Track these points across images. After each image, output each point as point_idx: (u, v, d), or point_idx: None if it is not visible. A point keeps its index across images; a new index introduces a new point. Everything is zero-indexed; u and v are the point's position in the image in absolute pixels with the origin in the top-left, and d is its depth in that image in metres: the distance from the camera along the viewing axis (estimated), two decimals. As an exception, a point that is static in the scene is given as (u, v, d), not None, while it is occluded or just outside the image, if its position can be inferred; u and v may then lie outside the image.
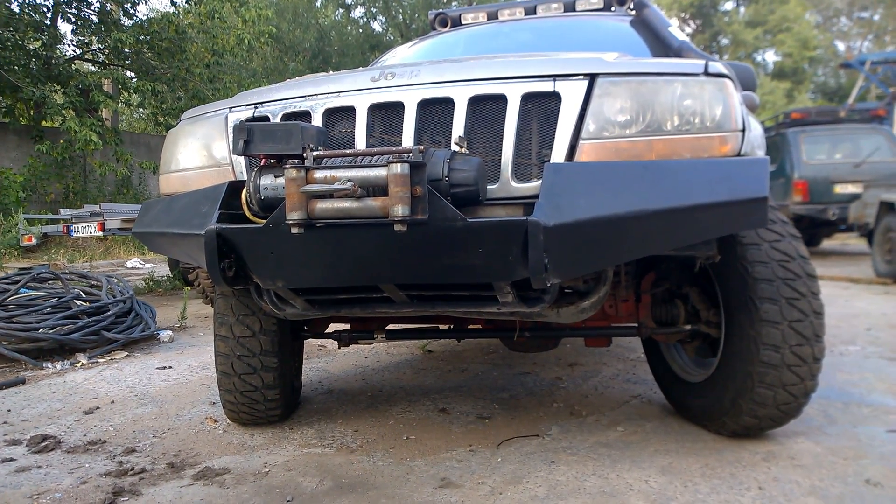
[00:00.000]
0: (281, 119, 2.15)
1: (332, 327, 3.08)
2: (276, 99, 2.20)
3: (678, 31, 3.17)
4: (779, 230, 2.35)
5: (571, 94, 1.92)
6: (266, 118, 2.18)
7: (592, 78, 1.93)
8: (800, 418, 2.50)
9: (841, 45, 40.53)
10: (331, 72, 2.47)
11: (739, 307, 2.35)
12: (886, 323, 4.96)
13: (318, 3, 23.17)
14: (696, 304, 2.64)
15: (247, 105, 2.25)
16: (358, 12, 24.69)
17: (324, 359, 4.18)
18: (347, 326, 3.04)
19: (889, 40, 39.03)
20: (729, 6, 38.65)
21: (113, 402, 3.33)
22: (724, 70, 1.96)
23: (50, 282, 5.21)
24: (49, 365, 4.08)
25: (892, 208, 7.40)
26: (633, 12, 3.82)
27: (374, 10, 24.38)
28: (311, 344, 4.42)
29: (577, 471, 2.31)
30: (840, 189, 10.00)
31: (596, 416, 2.91)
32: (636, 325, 2.75)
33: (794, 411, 2.41)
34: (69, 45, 13.97)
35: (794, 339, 2.26)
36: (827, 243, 12.66)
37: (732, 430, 2.53)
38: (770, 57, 38.47)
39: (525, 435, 2.68)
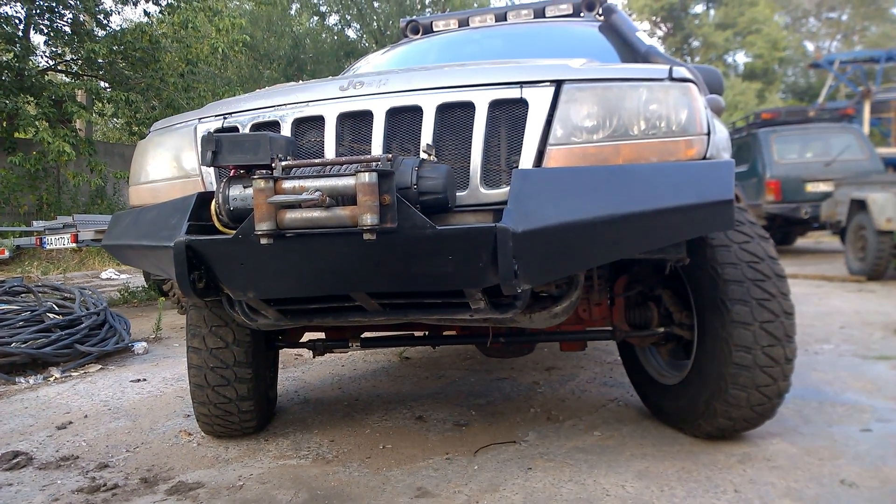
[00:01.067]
0: (250, 129, 2.13)
1: (306, 336, 3.06)
2: (245, 109, 2.19)
3: (645, 35, 3.20)
4: (747, 231, 2.38)
5: (538, 101, 1.93)
6: (235, 129, 2.17)
7: (559, 84, 1.94)
8: (775, 419, 2.52)
9: (810, 46, 41.22)
10: (303, 81, 2.46)
11: (711, 309, 2.37)
12: (860, 321, 5.03)
13: (292, 11, 23.08)
14: (669, 307, 2.66)
15: (216, 116, 2.24)
16: (332, 20, 24.64)
17: (300, 367, 4.15)
18: (322, 335, 3.02)
19: (857, 40, 39.77)
20: (699, 9, 39.17)
21: (86, 416, 3.28)
22: (688, 75, 1.99)
23: (22, 295, 5.13)
24: (21, 379, 4.01)
25: (862, 206, 7.51)
26: (602, 18, 3.85)
27: (348, 17, 24.34)
28: (286, 353, 4.39)
29: (553, 477, 2.31)
30: (812, 188, 10.13)
31: (573, 420, 2.91)
32: (610, 328, 2.77)
33: (769, 412, 2.43)
34: (42, 57, 13.80)
35: (766, 340, 2.28)
36: (801, 241, 12.84)
37: (708, 433, 2.55)
38: (740, 58, 39.04)
39: (502, 441, 2.68)
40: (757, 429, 2.55)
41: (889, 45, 30.86)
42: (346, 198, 1.71)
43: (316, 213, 1.71)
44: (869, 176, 8.60)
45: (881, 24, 39.71)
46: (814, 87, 33.22)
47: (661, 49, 3.17)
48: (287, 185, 1.74)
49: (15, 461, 2.65)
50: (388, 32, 22.43)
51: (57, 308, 4.86)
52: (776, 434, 2.62)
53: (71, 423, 3.17)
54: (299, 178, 1.75)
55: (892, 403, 2.98)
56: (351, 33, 24.70)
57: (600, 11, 3.93)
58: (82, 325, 4.60)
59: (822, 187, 9.86)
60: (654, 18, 38.86)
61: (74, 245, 7.13)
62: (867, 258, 7.37)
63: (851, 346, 4.18)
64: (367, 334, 2.98)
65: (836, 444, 2.52)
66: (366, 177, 1.65)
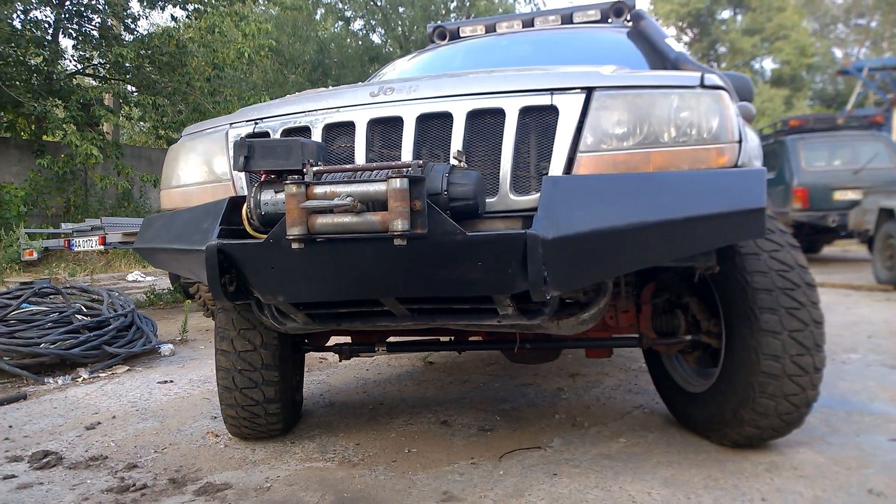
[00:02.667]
0: (281, 134, 2.16)
1: (333, 340, 3.08)
2: (277, 115, 2.22)
3: (675, 42, 3.19)
4: (777, 240, 2.36)
5: (569, 108, 1.93)
6: (266, 134, 2.20)
7: (589, 91, 1.94)
8: (802, 428, 2.49)
9: (838, 52, 40.71)
10: (330, 86, 2.48)
11: (739, 317, 2.36)
12: (888, 330, 4.96)
13: (317, 17, 23.27)
14: (697, 315, 2.64)
15: (247, 121, 2.27)
16: (357, 25, 24.80)
17: (325, 371, 4.18)
18: (348, 339, 3.04)
19: (886, 47, 39.18)
20: (726, 15, 38.83)
21: (114, 417, 3.33)
22: (719, 82, 1.98)
23: (51, 296, 5.22)
24: (50, 380, 4.08)
25: (891, 215, 7.40)
26: (630, 24, 3.84)
27: (373, 22, 24.48)
28: (312, 356, 4.42)
29: (579, 483, 2.31)
30: (839, 196, 10.01)
31: (598, 427, 2.90)
32: (637, 335, 2.76)
33: (796, 421, 2.41)
34: (70, 61, 14.05)
35: (795, 349, 2.26)
36: (827, 250, 12.66)
37: (735, 441, 2.53)
38: (768, 64, 38.66)
39: (527, 447, 2.68)
40: (784, 438, 2.53)
41: (919, 51, 30.40)
42: (377, 203, 1.73)
43: (347, 219, 1.73)
44: (898, 184, 8.48)
45: (910, 30, 39.11)
46: (842, 94, 32.79)
47: (690, 56, 3.15)
48: (318, 190, 1.76)
49: (45, 460, 2.69)
50: (413, 37, 22.52)
51: (85, 310, 4.94)
52: (803, 443, 2.59)
53: (99, 423, 3.22)
54: (331, 183, 1.77)
55: (924, 415, 2.94)
56: (376, 38, 24.84)
57: (628, 17, 3.92)
58: (110, 327, 4.67)
59: (850, 195, 9.73)
60: (680, 24, 38.62)
61: (102, 247, 7.25)
62: (895, 267, 7.25)
63: (879, 355, 4.12)
64: (392, 339, 3.00)
65: (863, 454, 2.49)
66: (397, 183, 1.67)
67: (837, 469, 2.35)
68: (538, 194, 1.85)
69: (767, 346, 2.27)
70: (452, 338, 2.99)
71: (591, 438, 2.76)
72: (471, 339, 2.99)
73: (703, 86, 1.96)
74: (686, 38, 39.21)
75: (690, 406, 2.74)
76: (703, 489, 2.22)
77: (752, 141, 2.23)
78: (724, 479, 2.29)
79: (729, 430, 2.49)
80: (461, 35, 4.42)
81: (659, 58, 3.17)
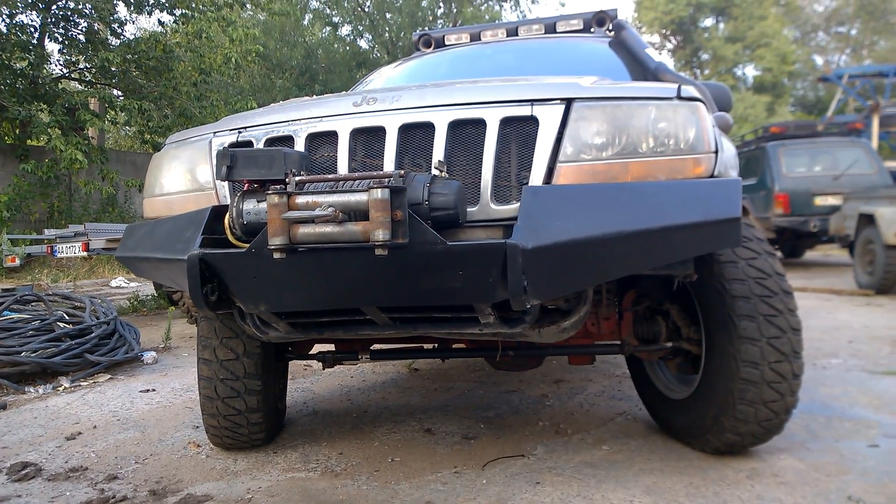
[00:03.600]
0: (264, 144, 2.17)
1: (316, 348, 3.08)
2: (260, 124, 2.22)
3: (655, 52, 3.22)
4: (754, 248, 2.39)
5: (549, 119, 1.95)
6: (250, 143, 2.20)
7: (569, 102, 1.97)
8: (783, 434, 2.52)
9: (819, 60, 41.21)
10: (318, 92, 2.49)
11: (718, 324, 2.38)
12: (868, 335, 5.02)
13: (305, 22, 23.24)
14: (677, 322, 2.67)
15: (230, 130, 2.27)
16: (345, 30, 24.77)
17: (309, 378, 4.17)
18: (332, 347, 3.04)
19: (866, 54, 39.71)
20: (709, 23, 39.16)
21: (95, 426, 3.30)
22: (696, 94, 2.01)
23: (33, 304, 5.17)
24: (31, 389, 4.04)
25: (871, 220, 7.49)
26: (612, 34, 3.88)
27: (360, 28, 24.48)
28: (296, 364, 4.41)
29: (561, 492, 2.32)
30: (820, 201, 10.12)
31: (581, 434, 2.92)
32: (619, 342, 2.78)
33: (776, 428, 2.43)
34: (56, 65, 13.94)
35: (773, 356, 2.29)
36: (809, 254, 12.79)
37: (716, 448, 2.55)
38: (750, 71, 38.98)
39: (510, 455, 2.69)
40: (765, 444, 2.56)
41: (898, 59, 30.85)
42: (358, 213, 1.74)
43: (328, 229, 1.74)
44: (877, 190, 8.58)
45: (890, 38, 39.63)
46: (823, 100, 33.18)
47: (671, 64, 3.19)
48: (300, 200, 1.77)
49: (24, 472, 2.67)
50: (400, 43, 22.55)
51: (67, 317, 4.90)
52: (784, 449, 2.62)
53: (80, 433, 3.20)
54: (313, 193, 1.77)
55: (901, 420, 2.98)
56: (363, 44, 24.85)
57: (610, 27, 3.96)
58: (92, 335, 4.64)
59: (831, 201, 9.85)
60: (664, 31, 38.92)
61: (85, 253, 7.18)
62: (876, 272, 7.35)
63: (859, 360, 4.17)
64: (376, 346, 3.00)
65: (843, 460, 2.52)
66: (378, 193, 1.68)
67: (817, 475, 2.38)
68: (519, 204, 1.86)
69: (746, 352, 2.30)
70: (436, 345, 2.99)
71: (575, 446, 2.77)
72: (454, 346, 2.99)
73: (679, 97, 1.98)
74: (669, 46, 39.54)
75: (672, 413, 2.76)
76: (685, 497, 2.24)
77: (729, 151, 2.26)
78: (706, 487, 2.31)
79: (710, 436, 2.51)
80: (446, 43, 4.44)
81: (640, 67, 3.20)
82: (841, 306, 6.60)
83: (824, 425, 2.92)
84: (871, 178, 10.13)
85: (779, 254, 12.10)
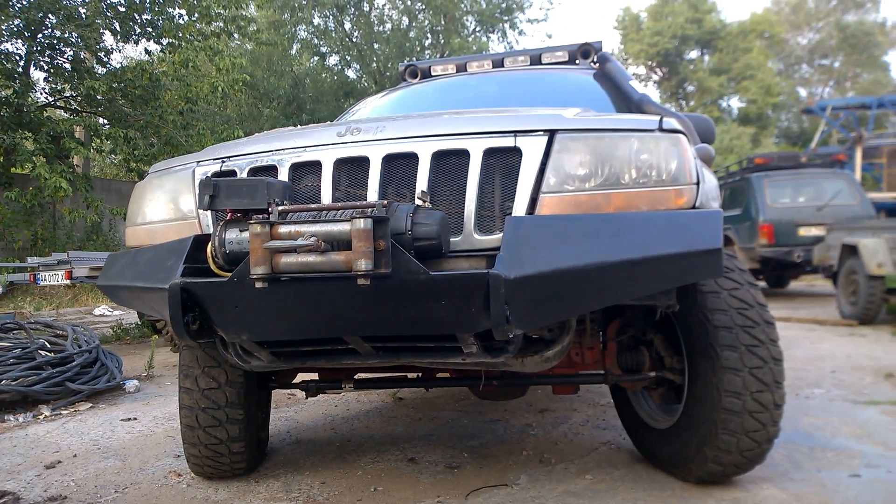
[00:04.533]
0: (248, 173, 2.18)
1: (299, 377, 3.06)
2: (244, 153, 2.23)
3: (638, 84, 3.28)
4: (736, 278, 2.42)
5: (532, 150, 1.98)
6: (233, 172, 2.21)
7: (552, 134, 1.99)
8: (765, 463, 2.52)
9: (803, 92, 42.00)
10: (300, 126, 2.51)
11: (701, 354, 2.40)
12: (851, 365, 5.04)
13: (292, 52, 23.41)
14: (661, 351, 2.68)
15: (214, 159, 2.28)
16: (332, 60, 24.97)
17: (293, 408, 4.13)
18: (315, 376, 3.02)
19: (849, 86, 40.51)
20: (694, 55, 39.87)
21: (75, 455, 3.25)
22: (678, 126, 2.04)
23: (14, 332, 5.11)
24: (11, 417, 3.98)
25: (854, 251, 7.58)
26: (597, 66, 3.94)
27: (348, 58, 24.68)
28: (279, 393, 4.37)
29: (544, 521, 2.30)
30: (804, 232, 10.22)
31: (565, 463, 2.90)
32: (602, 372, 2.78)
33: (758, 457, 2.44)
34: (41, 93, 13.93)
35: (755, 386, 2.30)
36: (794, 285, 12.89)
37: (699, 477, 2.55)
38: (735, 103, 39.65)
39: (494, 485, 2.67)
40: (747, 474, 2.55)
41: (880, 91, 31.48)
42: (341, 243, 1.74)
43: (311, 258, 1.74)
44: (860, 221, 8.70)
45: (872, 71, 40.54)
46: (807, 132, 33.75)
47: (656, 96, 3.24)
48: (283, 230, 1.77)
49: (2, 501, 2.62)
50: (388, 73, 22.75)
51: (49, 345, 4.85)
52: (766, 479, 2.62)
53: (60, 462, 3.15)
54: (295, 223, 1.78)
55: (881, 449, 2.99)
56: (351, 73, 25.04)
57: (595, 59, 4.02)
58: (74, 363, 4.58)
59: (815, 231, 9.95)
60: (649, 63, 39.57)
61: (68, 281, 7.12)
62: (858, 302, 7.41)
63: (842, 390, 4.19)
64: (360, 375, 2.99)
65: (825, 490, 2.52)
66: (361, 223, 1.69)
67: (799, 505, 2.38)
68: (501, 234, 1.87)
69: (728, 382, 2.31)
70: (420, 374, 2.98)
71: (558, 475, 2.76)
72: (438, 375, 2.99)
73: (661, 129, 2.02)
74: (655, 78, 40.17)
75: (656, 442, 2.75)
76: (668, 527, 2.23)
77: (710, 182, 2.30)
78: (689, 517, 2.30)
79: (693, 466, 2.51)
80: (433, 74, 4.50)
81: (623, 99, 3.26)
82: (824, 336, 6.64)
83: (807, 455, 2.92)
84: (854, 209, 10.26)
85: (763, 284, 12.19)
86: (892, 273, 7.07)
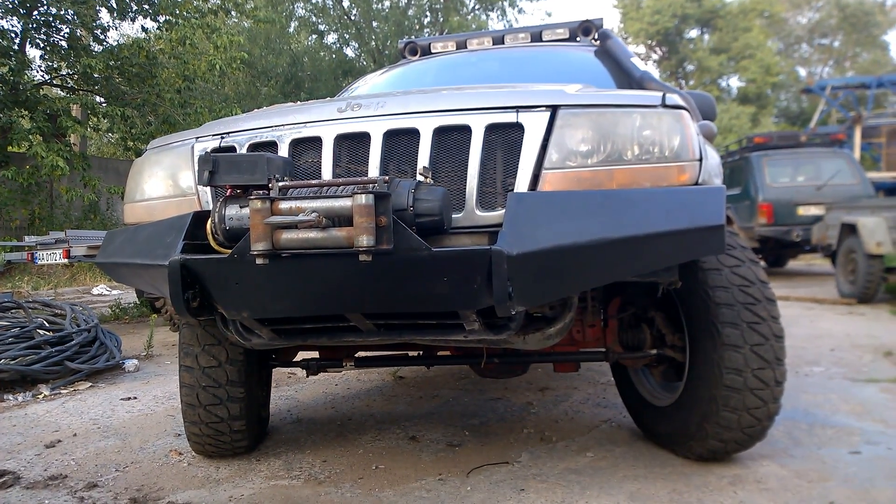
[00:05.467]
0: (248, 149, 2.15)
1: (300, 355, 3.06)
2: (243, 129, 2.21)
3: (640, 61, 3.24)
4: (738, 255, 2.41)
5: (534, 125, 1.96)
6: (233, 148, 2.18)
7: (554, 109, 1.97)
8: (765, 441, 2.53)
9: (802, 71, 41.77)
10: (301, 99, 2.48)
11: (702, 332, 2.39)
12: (850, 343, 5.06)
13: (290, 30, 23.22)
14: (662, 329, 2.67)
15: (213, 135, 2.26)
16: (331, 38, 24.79)
17: (293, 386, 4.14)
18: (316, 354, 3.02)
19: (849, 66, 40.30)
20: (694, 34, 39.57)
21: (75, 434, 3.26)
22: (680, 101, 2.02)
23: (13, 311, 5.10)
24: (10, 397, 3.98)
25: (853, 230, 7.57)
26: (598, 43, 3.90)
27: (346, 36, 24.49)
28: (279, 371, 4.38)
29: (546, 498, 2.31)
30: (803, 211, 10.21)
31: (566, 441, 2.91)
32: (604, 349, 2.78)
33: (759, 434, 2.44)
34: (37, 71, 13.81)
35: (756, 363, 2.30)
36: (793, 264, 12.90)
37: (699, 454, 2.56)
38: (734, 82, 39.43)
39: (495, 462, 2.68)
40: (748, 451, 2.56)
41: (880, 71, 31.34)
42: (342, 219, 1.73)
43: (312, 234, 1.72)
44: (859, 200, 8.68)
45: (872, 50, 40.30)
46: (806, 111, 33.61)
47: (656, 74, 3.21)
48: (284, 205, 1.75)
49: (2, 480, 2.62)
50: (387, 52, 22.58)
51: (47, 324, 4.84)
52: (767, 456, 2.63)
53: (60, 441, 3.15)
54: (296, 198, 1.76)
55: (881, 426, 3.00)
56: (349, 52, 24.85)
57: (596, 36, 3.98)
58: (73, 342, 4.58)
59: (814, 211, 9.94)
60: (649, 42, 39.27)
61: (66, 261, 7.10)
62: (857, 281, 7.42)
63: (841, 368, 4.20)
64: (361, 353, 2.98)
65: (825, 467, 2.53)
66: (362, 198, 1.67)
67: (800, 482, 2.39)
68: (504, 210, 1.86)
69: (730, 360, 2.31)
70: (421, 353, 2.98)
71: (559, 453, 2.77)
72: (439, 353, 2.98)
73: (664, 105, 1.99)
74: (655, 57, 39.89)
75: (656, 420, 2.76)
76: (668, 503, 2.24)
77: (713, 159, 2.28)
78: (689, 493, 2.31)
79: (694, 443, 2.52)
80: (432, 51, 4.45)
81: (625, 76, 3.22)
82: (823, 315, 6.66)
83: (807, 432, 2.93)
84: (853, 188, 10.24)
85: (762, 263, 12.19)
86: (891, 252, 7.07)
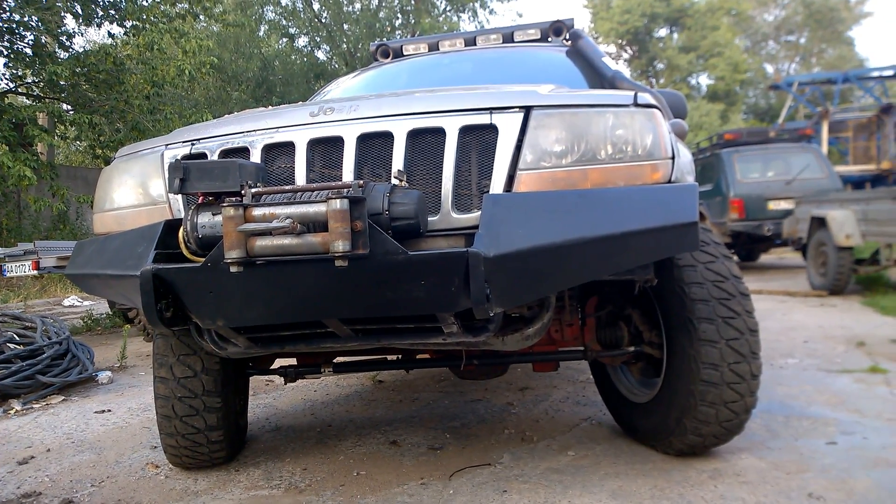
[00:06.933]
0: (219, 156, 2.12)
1: (277, 363, 3.03)
2: (214, 135, 2.17)
3: (611, 60, 3.26)
4: (712, 251, 2.43)
5: (508, 127, 1.96)
6: (204, 155, 2.15)
7: (528, 110, 1.97)
8: (743, 434, 2.56)
9: (770, 68, 42.45)
10: (271, 107, 2.45)
11: (679, 327, 2.41)
12: (822, 335, 5.14)
13: (260, 33, 23.02)
14: (639, 326, 2.69)
15: (183, 142, 2.22)
16: (302, 42, 24.63)
17: (271, 394, 4.10)
18: (294, 361, 2.99)
19: (815, 62, 41.05)
20: (663, 33, 40.04)
21: (49, 450, 3.19)
22: (652, 100, 2.03)
23: (-19, 325, 5.00)
24: (-20, 413, 3.89)
25: (822, 223, 7.70)
26: (569, 43, 3.92)
27: (318, 39, 24.36)
28: (257, 379, 4.33)
29: (528, 499, 2.31)
30: (773, 206, 10.35)
31: (547, 441, 2.92)
32: (582, 348, 2.79)
33: (737, 428, 2.47)
34: (2, 79, 13.54)
35: (732, 357, 2.32)
36: (764, 258, 13.09)
37: (679, 450, 2.58)
38: (703, 80, 39.99)
39: (477, 464, 2.67)
40: (726, 444, 2.59)
41: (845, 66, 31.99)
42: (317, 224, 1.71)
43: (287, 241, 1.71)
44: (828, 194, 8.83)
45: (838, 46, 41.10)
46: (774, 107, 34.17)
47: (627, 73, 3.23)
48: (257, 212, 1.73)
49: (-26, 498, 2.57)
50: (358, 55, 22.51)
51: (17, 338, 4.75)
52: (745, 449, 2.66)
53: (33, 457, 3.09)
54: (270, 205, 1.74)
55: (856, 416, 3.05)
56: (321, 55, 24.74)
57: (567, 37, 4.00)
58: (44, 356, 4.49)
59: (784, 205, 10.08)
60: (619, 41, 39.66)
61: (36, 272, 6.96)
62: (828, 274, 7.54)
63: (815, 360, 4.27)
64: (339, 359, 2.96)
65: (802, 458, 2.56)
66: (337, 203, 1.65)
67: (778, 474, 2.42)
68: (480, 212, 1.85)
69: (706, 354, 2.33)
70: (400, 356, 2.97)
71: (541, 453, 2.77)
72: (418, 356, 2.97)
73: (636, 104, 2.01)
74: (625, 56, 40.28)
75: (636, 416, 2.78)
76: (650, 499, 2.25)
77: (685, 157, 2.30)
78: (670, 489, 2.33)
79: (673, 438, 2.54)
80: (404, 53, 4.44)
81: (596, 76, 3.24)
82: (796, 307, 6.76)
83: (783, 424, 2.97)
84: (821, 182, 10.41)
85: (735, 258, 12.34)
86: (860, 244, 7.20)
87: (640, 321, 2.68)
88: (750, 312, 2.38)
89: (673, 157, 1.99)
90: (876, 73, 21.47)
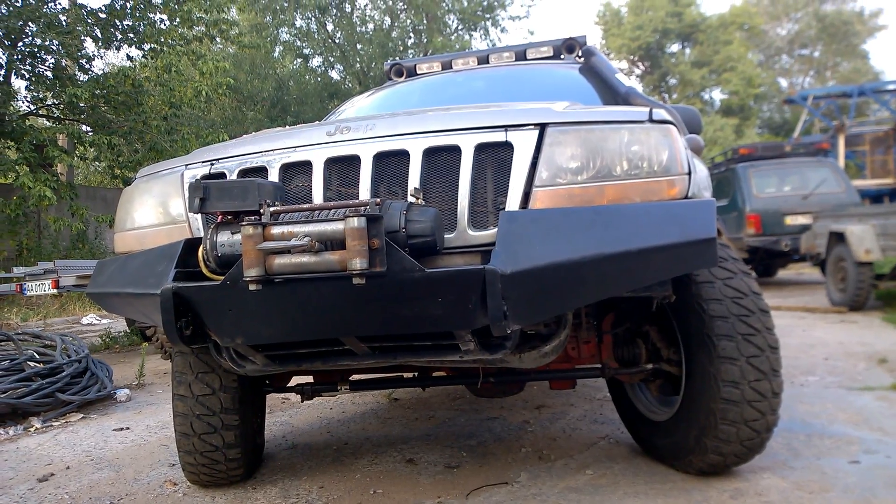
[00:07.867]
0: (238, 175, 2.15)
1: (294, 380, 3.03)
2: (233, 155, 2.20)
3: (624, 77, 3.27)
4: (730, 267, 2.42)
5: (523, 144, 1.96)
6: (223, 174, 2.18)
7: (543, 127, 1.98)
8: (764, 452, 2.52)
9: (784, 82, 42.31)
10: (288, 126, 2.48)
11: (698, 345, 2.39)
12: (843, 352, 5.07)
13: (275, 54, 23.30)
14: (657, 343, 2.67)
15: (203, 162, 2.25)
16: (316, 62, 24.89)
17: (287, 412, 4.10)
18: (310, 379, 3.00)
19: (830, 75, 40.86)
20: (675, 48, 40.06)
21: (68, 467, 3.21)
22: (667, 116, 2.03)
23: (2, 343, 5.05)
24: (1, 430, 3.92)
25: (841, 238, 7.62)
26: (582, 60, 3.93)
27: (331, 59, 24.62)
28: (273, 397, 4.34)
29: (546, 518, 2.29)
30: (791, 220, 10.27)
31: (564, 459, 2.89)
32: (599, 365, 2.77)
33: (758, 447, 2.44)
34: (23, 102, 13.78)
35: (753, 375, 2.30)
36: (782, 273, 12.97)
37: (699, 469, 2.54)
38: (717, 95, 39.86)
39: (494, 483, 2.66)
40: (747, 463, 2.56)
41: (861, 80, 31.81)
42: (334, 242, 1.72)
43: (305, 259, 1.72)
44: (846, 208, 8.75)
45: (852, 59, 40.91)
46: (789, 122, 34.01)
47: (640, 89, 3.24)
48: (276, 230, 1.75)
49: (-5, 516, 2.58)
50: (371, 74, 22.70)
51: (37, 356, 4.79)
52: (766, 468, 2.62)
53: (53, 474, 3.10)
54: (288, 223, 1.76)
55: (879, 434, 3.00)
56: (334, 75, 24.97)
57: (580, 54, 4.01)
58: (63, 374, 4.53)
59: (801, 220, 10.00)
60: (631, 57, 39.71)
61: (55, 291, 7.04)
62: (848, 289, 7.45)
63: (836, 377, 4.21)
64: (355, 377, 2.96)
65: (825, 477, 2.52)
66: (354, 221, 1.66)
67: (801, 493, 2.38)
68: (496, 229, 1.86)
69: (726, 372, 2.31)
70: (416, 374, 2.96)
71: (558, 472, 2.75)
72: (434, 374, 2.97)
73: (651, 120, 2.01)
74: (638, 71, 40.30)
75: (655, 435, 2.75)
76: (670, 519, 2.23)
77: (701, 172, 2.29)
78: (690, 508, 2.30)
79: (693, 457, 2.51)
80: (418, 72, 4.47)
81: (610, 92, 3.25)
82: (815, 324, 6.68)
83: (805, 443, 2.93)
84: (839, 196, 10.33)
85: (752, 273, 12.23)
86: (880, 259, 7.12)
87: (658, 338, 2.67)
88: (770, 329, 2.36)
89: (689, 173, 1.99)
90: (892, 86, 21.32)
